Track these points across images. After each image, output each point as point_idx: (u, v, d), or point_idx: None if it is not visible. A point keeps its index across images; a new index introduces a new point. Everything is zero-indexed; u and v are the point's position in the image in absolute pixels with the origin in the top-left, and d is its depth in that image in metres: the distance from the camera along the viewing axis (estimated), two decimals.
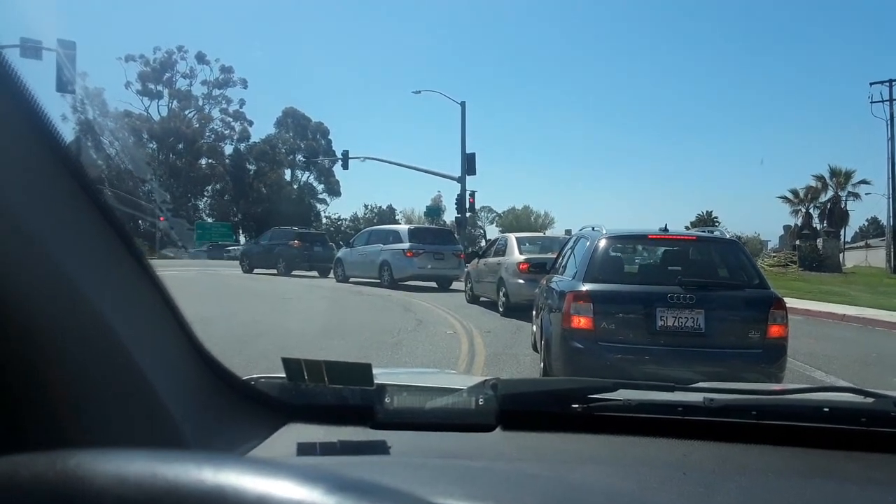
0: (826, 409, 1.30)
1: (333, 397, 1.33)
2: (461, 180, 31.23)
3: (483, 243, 30.56)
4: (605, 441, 1.30)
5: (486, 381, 1.44)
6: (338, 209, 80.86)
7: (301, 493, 0.42)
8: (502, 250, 13.56)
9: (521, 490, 0.88)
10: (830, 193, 42.63)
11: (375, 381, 1.31)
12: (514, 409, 1.36)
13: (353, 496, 0.42)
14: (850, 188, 42.44)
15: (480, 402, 1.35)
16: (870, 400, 1.34)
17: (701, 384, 1.54)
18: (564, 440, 1.31)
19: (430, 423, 1.33)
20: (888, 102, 36.84)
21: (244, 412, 1.25)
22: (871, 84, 38.04)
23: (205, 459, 0.45)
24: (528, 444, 1.29)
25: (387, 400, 1.33)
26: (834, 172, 42.41)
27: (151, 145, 55.59)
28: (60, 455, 0.45)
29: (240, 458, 0.45)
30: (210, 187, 60.30)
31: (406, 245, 18.56)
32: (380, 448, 1.21)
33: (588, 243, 6.19)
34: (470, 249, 19.87)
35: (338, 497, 0.42)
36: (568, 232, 19.60)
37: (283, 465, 0.47)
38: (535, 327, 7.70)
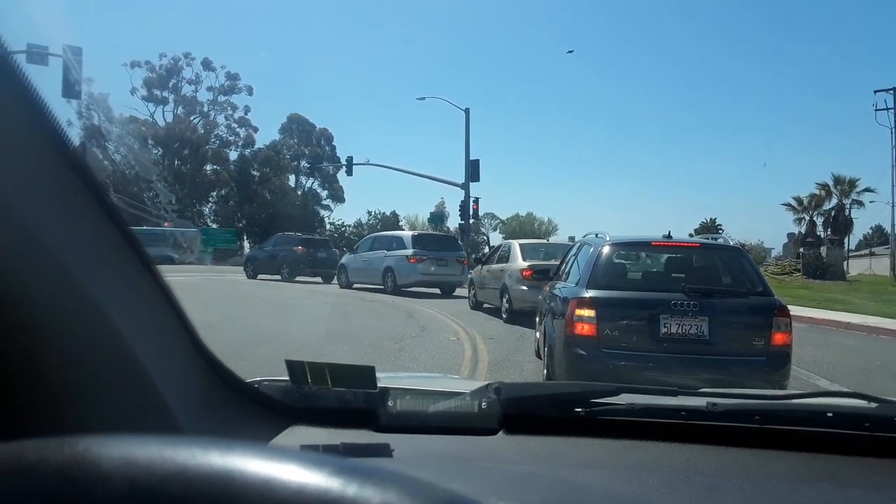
0: (830, 414, 1.30)
1: (337, 400, 1.33)
2: (465, 187, 31.25)
3: (486, 250, 30.56)
4: (608, 445, 1.30)
5: (489, 384, 1.44)
6: (342, 215, 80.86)
7: (305, 476, 0.42)
8: (506, 257, 13.56)
9: (523, 489, 0.88)
10: (834, 201, 42.59)
11: (378, 385, 1.32)
12: (517, 412, 1.36)
13: (357, 479, 0.42)
14: (854, 196, 42.40)
15: (483, 405, 1.35)
16: (874, 405, 1.34)
17: (704, 389, 1.54)
18: (567, 444, 1.31)
19: (434, 427, 1.34)
20: (892, 111, 36.83)
21: (247, 414, 1.26)
22: (875, 92, 38.05)
23: (212, 444, 0.45)
24: (531, 448, 1.29)
25: (390, 403, 1.34)
26: (838, 180, 42.35)
27: (156, 151, 55.79)
28: (68, 440, 0.46)
29: (246, 443, 0.46)
30: (215, 193, 60.44)
31: (410, 251, 18.56)
32: (383, 451, 1.21)
33: (591, 250, 6.19)
34: (473, 256, 19.84)
35: (342, 479, 0.42)
36: (571, 239, 19.60)
37: (288, 450, 0.47)
38: (538, 334, 7.70)
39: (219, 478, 0.42)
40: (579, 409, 1.35)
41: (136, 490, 0.42)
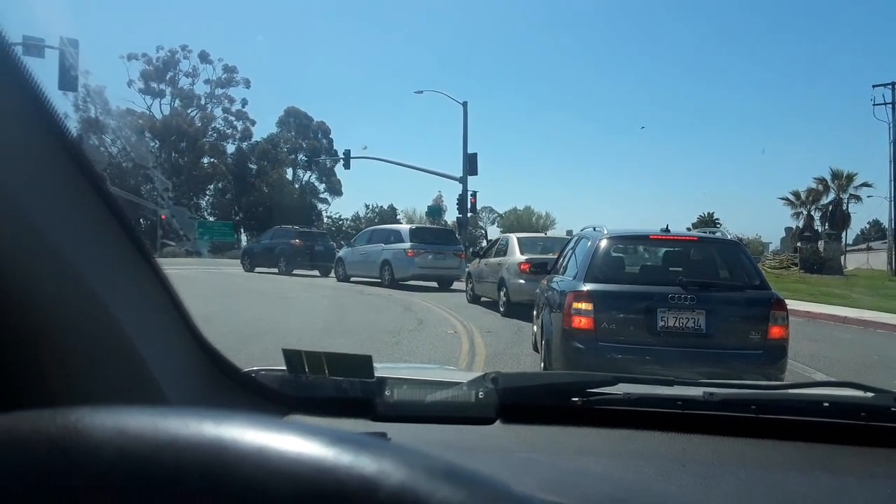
0: (826, 404, 1.30)
1: (334, 389, 1.33)
2: (463, 180, 31.22)
3: (484, 243, 30.60)
4: (605, 434, 1.30)
5: (486, 374, 1.44)
6: (339, 209, 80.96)
7: (301, 445, 0.42)
8: (503, 250, 13.56)
9: (520, 475, 0.88)
10: (832, 196, 42.74)
11: (376, 374, 1.32)
12: (514, 402, 1.36)
13: (353, 447, 0.42)
14: (851, 190, 42.54)
15: (480, 395, 1.35)
16: (869, 395, 1.35)
17: (701, 380, 1.54)
18: (564, 433, 1.31)
19: (431, 416, 1.34)
20: (890, 105, 36.85)
21: (244, 404, 1.26)
22: (873, 87, 38.16)
23: (205, 414, 0.45)
24: (528, 437, 1.29)
25: (387, 392, 1.34)
26: (835, 175, 42.45)
27: (154, 143, 55.59)
28: (60, 411, 0.46)
29: (240, 413, 0.46)
30: (212, 186, 60.28)
31: (407, 245, 18.56)
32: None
33: (589, 243, 6.19)
34: (471, 249, 19.86)
35: (337, 448, 0.42)
36: (569, 232, 19.62)
37: (281, 421, 0.46)
38: (535, 327, 7.71)
39: (212, 447, 0.42)
40: (576, 399, 1.35)
41: (129, 459, 0.42)
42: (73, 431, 0.43)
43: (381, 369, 1.41)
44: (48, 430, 0.44)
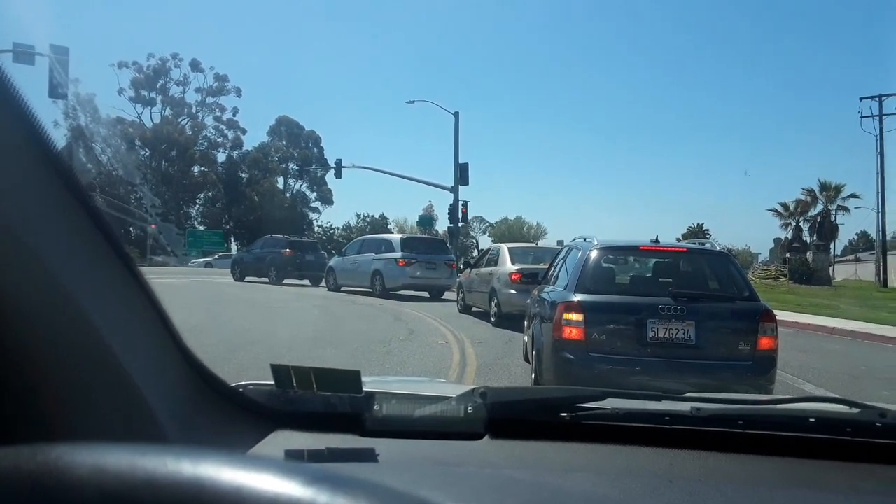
0: (812, 420, 1.31)
1: (322, 404, 1.33)
2: (454, 190, 31.26)
3: (475, 253, 30.60)
4: (593, 449, 1.30)
5: (474, 389, 1.44)
6: (330, 218, 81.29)
7: (277, 485, 0.42)
8: (494, 260, 13.57)
9: (505, 494, 0.88)
10: (820, 207, 42.94)
11: (364, 389, 1.31)
12: (503, 417, 1.36)
13: (329, 488, 0.42)
14: (839, 202, 42.76)
15: (469, 410, 1.35)
16: (855, 410, 1.35)
17: (689, 394, 1.55)
18: (552, 448, 1.31)
19: (419, 431, 1.33)
20: (878, 118, 37.20)
21: (232, 419, 1.25)
22: (860, 99, 38.42)
23: (183, 452, 0.45)
24: (516, 453, 1.29)
25: (375, 407, 1.33)
26: (824, 186, 42.71)
27: (144, 152, 55.46)
28: (41, 448, 0.46)
29: (218, 451, 0.46)
30: (202, 195, 60.18)
31: (398, 254, 18.54)
32: (368, 455, 1.20)
33: (580, 254, 6.21)
34: (462, 259, 19.85)
35: (314, 489, 0.42)
36: (560, 243, 19.65)
37: (260, 458, 0.47)
38: (526, 338, 7.71)
39: (189, 486, 0.42)
40: (564, 414, 1.35)
41: (107, 498, 0.42)
42: (53, 469, 0.44)
43: (370, 383, 1.40)
44: (29, 468, 0.44)
